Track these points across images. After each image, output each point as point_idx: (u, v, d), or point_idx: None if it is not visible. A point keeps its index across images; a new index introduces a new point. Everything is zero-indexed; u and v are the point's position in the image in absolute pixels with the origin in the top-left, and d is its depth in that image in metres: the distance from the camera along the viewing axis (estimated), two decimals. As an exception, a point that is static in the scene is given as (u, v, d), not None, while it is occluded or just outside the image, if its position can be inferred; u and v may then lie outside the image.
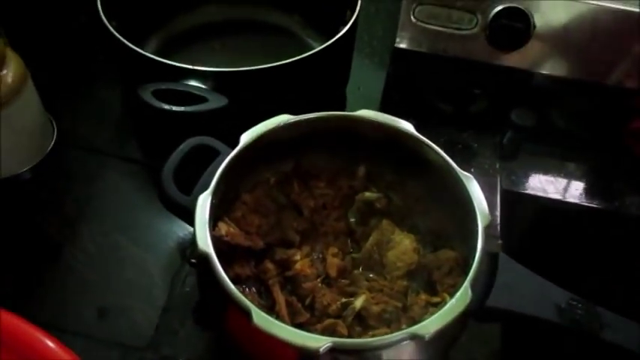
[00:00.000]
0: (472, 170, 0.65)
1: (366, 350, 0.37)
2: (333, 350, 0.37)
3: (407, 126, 0.48)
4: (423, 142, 0.48)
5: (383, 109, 0.70)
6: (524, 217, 0.64)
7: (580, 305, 0.41)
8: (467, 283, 0.39)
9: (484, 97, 0.72)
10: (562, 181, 0.66)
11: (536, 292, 0.41)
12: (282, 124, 0.47)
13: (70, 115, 0.65)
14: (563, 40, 0.63)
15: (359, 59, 0.74)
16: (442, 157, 0.47)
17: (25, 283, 0.53)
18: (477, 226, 0.42)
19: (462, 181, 0.45)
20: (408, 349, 0.38)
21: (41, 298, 0.52)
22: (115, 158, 0.63)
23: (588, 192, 0.66)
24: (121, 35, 0.57)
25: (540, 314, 0.40)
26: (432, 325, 0.37)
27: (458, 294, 0.38)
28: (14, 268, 0.53)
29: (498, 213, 0.61)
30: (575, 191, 0.65)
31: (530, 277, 0.42)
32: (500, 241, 0.58)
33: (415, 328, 0.37)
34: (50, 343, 0.42)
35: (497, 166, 0.66)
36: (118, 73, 0.65)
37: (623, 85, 0.64)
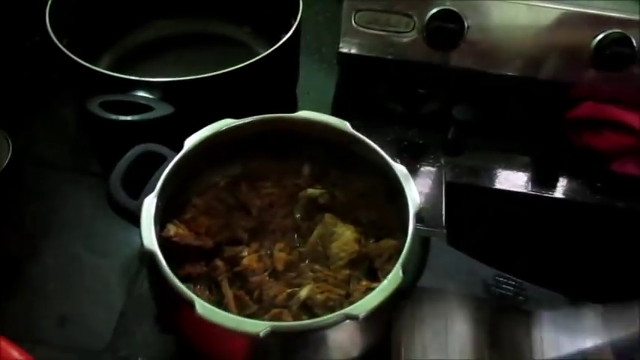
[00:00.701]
0: (418, 166, 0.69)
1: (304, 332, 0.40)
2: (274, 334, 0.39)
3: (343, 125, 0.51)
4: (358, 139, 0.51)
5: (334, 111, 0.74)
6: (468, 207, 0.67)
7: (506, 281, 0.43)
8: (398, 266, 0.41)
9: (434, 98, 0.76)
10: (504, 172, 0.69)
11: (465, 271, 0.44)
12: (224, 127, 0.50)
13: (28, 132, 0.67)
14: (496, 39, 0.67)
15: (308, 65, 0.77)
16: (377, 151, 0.50)
17: (-15, 298, 0.54)
18: (408, 212, 0.45)
19: (394, 172, 0.48)
20: (347, 330, 0.41)
21: (2, 311, 0.54)
22: (72, 172, 0.65)
23: (529, 181, 0.69)
24: (74, 52, 0.59)
25: (469, 291, 0.43)
26: (364, 305, 0.40)
27: (389, 276, 0.41)
28: (-25, 284, 0.55)
29: (443, 205, 0.64)
30: (516, 181, 0.69)
31: (460, 258, 0.45)
32: (444, 231, 0.62)
33: (349, 309, 0.40)
34: (13, 351, 0.44)
35: (442, 161, 0.69)
36: (71, 89, 0.67)
37: (555, 79, 0.68)
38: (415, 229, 0.44)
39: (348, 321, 0.40)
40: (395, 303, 0.42)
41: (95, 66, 0.60)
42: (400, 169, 0.48)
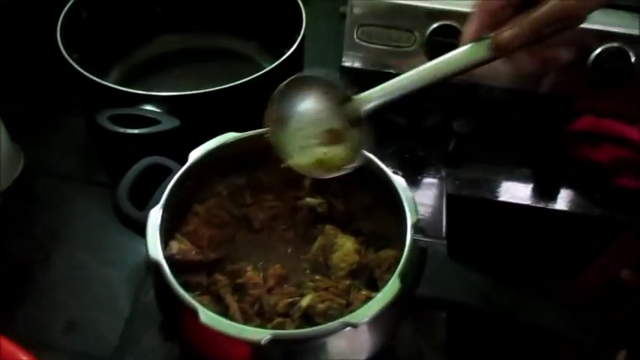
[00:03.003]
0: (419, 178, 0.70)
1: (304, 340, 0.41)
2: (276, 342, 0.40)
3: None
4: (359, 152, 0.52)
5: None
6: (469, 218, 0.68)
7: (503, 291, 0.44)
8: (395, 276, 0.43)
9: (436, 111, 0.77)
10: (504, 184, 0.71)
11: (462, 282, 0.45)
12: (228, 141, 0.51)
13: (39, 144, 0.69)
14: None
15: (312, 79, 0.79)
16: (376, 164, 0.51)
17: (-3, 305, 0.56)
18: (406, 223, 0.46)
19: (393, 183, 0.49)
20: (346, 337, 0.42)
21: (13, 317, 0.55)
22: (81, 182, 0.67)
23: (529, 193, 0.70)
24: (83, 66, 0.61)
25: (467, 301, 0.44)
26: (363, 313, 0.41)
27: (387, 285, 0.42)
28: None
29: (444, 217, 0.66)
30: (516, 193, 0.70)
31: (458, 268, 0.46)
32: (445, 242, 0.63)
33: (348, 317, 0.41)
34: (22, 356, 0.45)
35: (443, 173, 0.70)
36: (81, 102, 0.69)
37: (553, 93, 0.69)
38: (413, 240, 0.45)
39: (347, 329, 0.41)
40: (393, 312, 0.43)
41: (104, 80, 0.62)
42: (399, 181, 0.49)
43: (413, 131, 0.75)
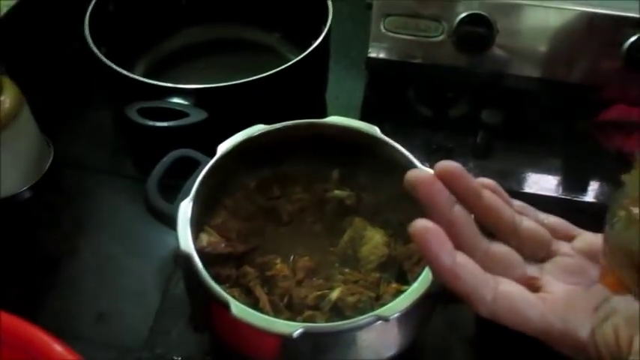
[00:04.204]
0: (447, 169, 0.69)
1: (336, 333, 0.41)
2: (307, 335, 0.40)
3: (372, 129, 0.52)
4: (387, 143, 0.52)
5: (363, 116, 0.75)
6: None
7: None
8: (427, 268, 0.42)
9: (463, 101, 0.76)
10: (533, 176, 0.69)
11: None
12: (256, 133, 0.51)
13: (66, 136, 0.69)
14: (525, 42, 0.67)
15: (337, 70, 0.79)
16: (405, 155, 0.50)
17: (27, 295, 0.57)
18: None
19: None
20: (377, 331, 0.42)
21: (43, 308, 0.56)
22: (108, 175, 0.67)
23: (559, 184, 0.69)
24: (110, 60, 0.62)
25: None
26: (395, 306, 0.40)
27: (420, 278, 0.42)
28: (17, 282, 0.57)
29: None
30: (545, 184, 0.69)
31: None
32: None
33: (380, 311, 0.40)
34: (55, 344, 0.45)
35: (471, 164, 0.69)
36: (108, 95, 0.69)
37: (584, 82, 0.68)
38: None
39: (379, 322, 0.41)
40: (424, 305, 0.42)
41: (131, 73, 0.62)
42: (427, 170, 0.48)
43: (440, 122, 0.74)
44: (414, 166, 0.50)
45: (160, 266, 0.58)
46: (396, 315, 0.40)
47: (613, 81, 0.67)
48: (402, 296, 0.41)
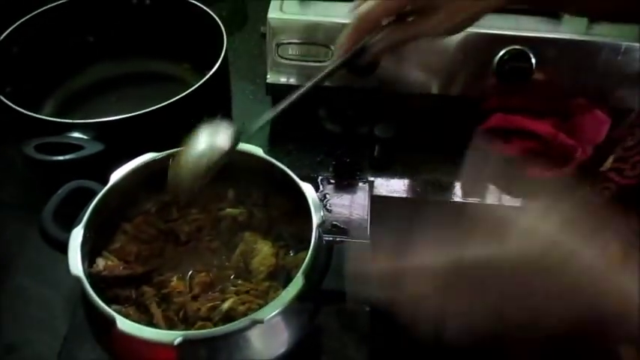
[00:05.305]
0: (345, 182, 0.74)
1: (215, 338, 0.44)
2: (188, 342, 0.43)
3: (257, 151, 0.56)
4: (272, 163, 0.56)
5: (271, 138, 0.79)
6: (392, 217, 0.73)
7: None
8: (299, 274, 0.46)
9: (361, 119, 0.81)
10: (430, 184, 0.75)
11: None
12: (147, 161, 0.55)
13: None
14: (409, 62, 0.73)
15: (245, 96, 0.83)
16: (287, 173, 0.55)
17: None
18: (312, 225, 0.50)
19: (301, 189, 0.53)
20: (259, 332, 0.45)
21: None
22: (19, 209, 0.69)
23: (448, 190, 0.75)
24: (17, 99, 0.64)
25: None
26: (269, 309, 0.44)
27: (292, 282, 0.46)
28: None
29: (368, 217, 0.70)
30: (440, 191, 0.74)
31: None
32: (369, 241, 0.67)
33: (254, 315, 0.44)
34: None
35: (369, 177, 0.75)
36: (14, 133, 0.71)
37: (465, 94, 0.74)
38: (318, 240, 0.49)
39: (257, 325, 0.44)
40: (300, 306, 0.46)
41: (41, 110, 0.65)
42: (307, 187, 0.53)
43: (345, 138, 0.79)
44: (295, 183, 0.54)
45: (67, 294, 0.61)
46: (270, 316, 0.44)
47: (489, 92, 0.74)
48: (276, 300, 0.45)
